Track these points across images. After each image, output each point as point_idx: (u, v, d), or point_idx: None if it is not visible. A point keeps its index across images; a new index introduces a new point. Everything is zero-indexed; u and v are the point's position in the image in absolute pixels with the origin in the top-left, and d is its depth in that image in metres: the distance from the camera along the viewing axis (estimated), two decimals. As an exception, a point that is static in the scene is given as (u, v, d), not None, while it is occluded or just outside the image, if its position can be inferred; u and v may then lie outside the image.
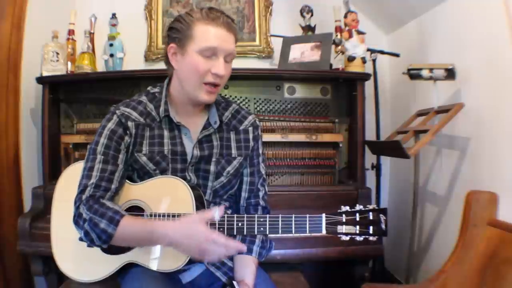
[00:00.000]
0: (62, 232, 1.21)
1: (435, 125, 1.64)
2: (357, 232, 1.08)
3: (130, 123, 1.15)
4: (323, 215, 1.09)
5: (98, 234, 1.04)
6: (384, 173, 2.13)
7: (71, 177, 1.21)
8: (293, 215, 1.09)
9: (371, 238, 1.08)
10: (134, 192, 1.15)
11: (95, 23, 2.26)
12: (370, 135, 2.02)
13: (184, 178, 1.15)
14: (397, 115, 2.33)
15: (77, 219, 1.07)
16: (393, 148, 1.71)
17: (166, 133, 1.18)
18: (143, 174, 1.17)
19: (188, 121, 1.19)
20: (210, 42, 1.07)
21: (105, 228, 1.03)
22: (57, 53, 2.01)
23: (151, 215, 1.12)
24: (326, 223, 1.08)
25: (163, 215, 1.11)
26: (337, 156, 2.00)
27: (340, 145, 1.99)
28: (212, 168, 1.19)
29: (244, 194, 1.27)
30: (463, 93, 1.69)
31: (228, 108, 1.27)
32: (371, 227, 1.08)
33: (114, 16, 2.27)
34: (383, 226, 1.07)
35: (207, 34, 1.07)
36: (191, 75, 1.10)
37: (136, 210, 1.14)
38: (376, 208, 1.09)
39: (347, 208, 1.09)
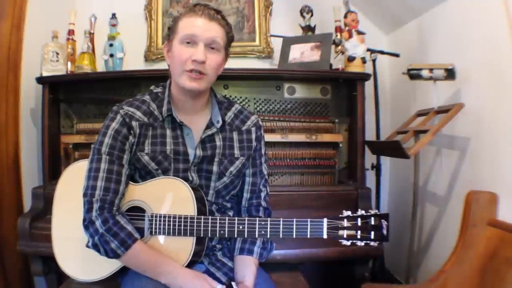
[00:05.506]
0: (63, 231, 1.21)
1: (435, 125, 1.64)
2: (359, 237, 1.08)
3: (134, 123, 1.15)
4: (325, 219, 1.09)
5: (107, 251, 1.07)
6: (384, 173, 2.14)
7: (73, 176, 1.22)
8: (295, 219, 1.10)
9: (372, 243, 1.08)
10: (135, 192, 1.15)
11: (95, 23, 2.26)
12: (370, 135, 2.02)
13: (186, 178, 1.15)
14: (397, 115, 2.33)
15: (88, 225, 1.07)
16: (393, 148, 1.71)
17: (168, 132, 1.18)
18: (145, 174, 1.17)
19: (190, 121, 1.18)
20: (188, 30, 1.10)
21: (115, 248, 1.06)
22: (57, 53, 2.01)
23: (152, 216, 1.12)
24: (328, 228, 1.09)
25: (164, 216, 1.11)
26: (337, 156, 2.00)
27: (340, 145, 1.98)
28: (215, 168, 1.19)
29: (246, 195, 1.26)
30: (463, 93, 1.69)
31: (230, 108, 1.27)
32: (372, 232, 1.08)
33: (114, 16, 2.26)
34: (384, 231, 1.07)
35: (187, 24, 1.11)
36: (176, 64, 1.13)
37: (137, 210, 1.14)
38: (378, 213, 1.09)
39: (349, 213, 1.09)
